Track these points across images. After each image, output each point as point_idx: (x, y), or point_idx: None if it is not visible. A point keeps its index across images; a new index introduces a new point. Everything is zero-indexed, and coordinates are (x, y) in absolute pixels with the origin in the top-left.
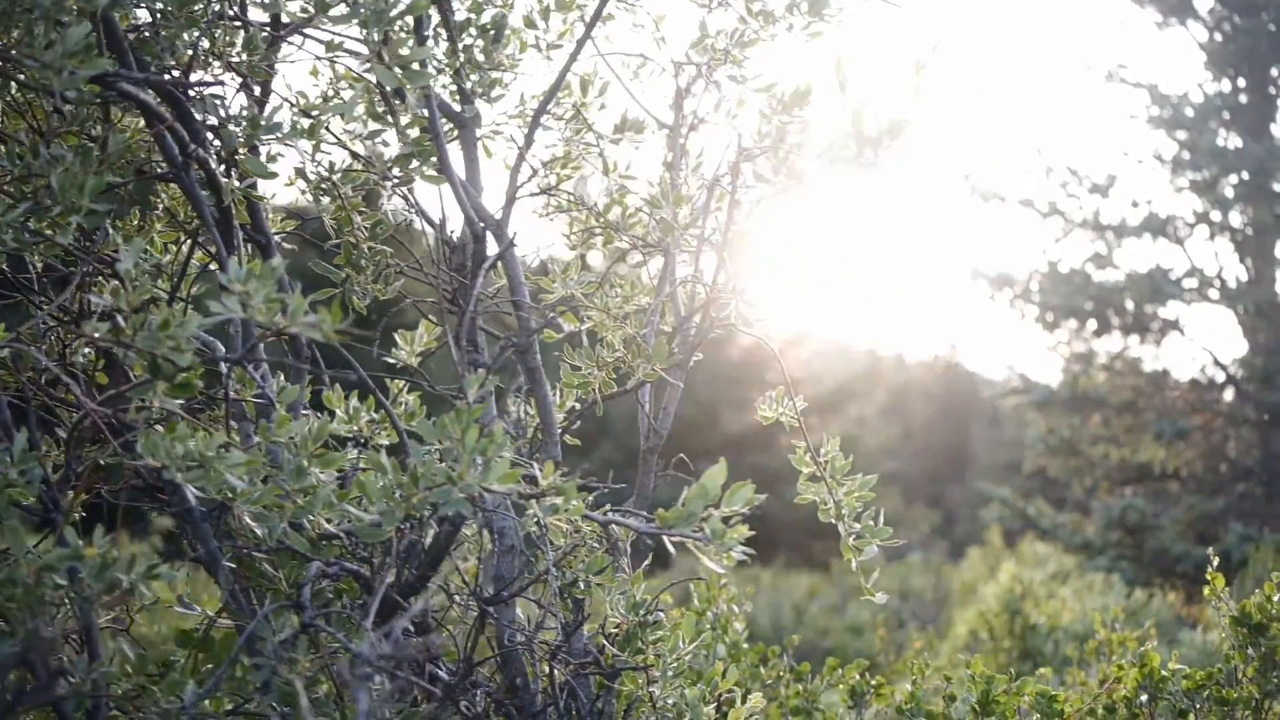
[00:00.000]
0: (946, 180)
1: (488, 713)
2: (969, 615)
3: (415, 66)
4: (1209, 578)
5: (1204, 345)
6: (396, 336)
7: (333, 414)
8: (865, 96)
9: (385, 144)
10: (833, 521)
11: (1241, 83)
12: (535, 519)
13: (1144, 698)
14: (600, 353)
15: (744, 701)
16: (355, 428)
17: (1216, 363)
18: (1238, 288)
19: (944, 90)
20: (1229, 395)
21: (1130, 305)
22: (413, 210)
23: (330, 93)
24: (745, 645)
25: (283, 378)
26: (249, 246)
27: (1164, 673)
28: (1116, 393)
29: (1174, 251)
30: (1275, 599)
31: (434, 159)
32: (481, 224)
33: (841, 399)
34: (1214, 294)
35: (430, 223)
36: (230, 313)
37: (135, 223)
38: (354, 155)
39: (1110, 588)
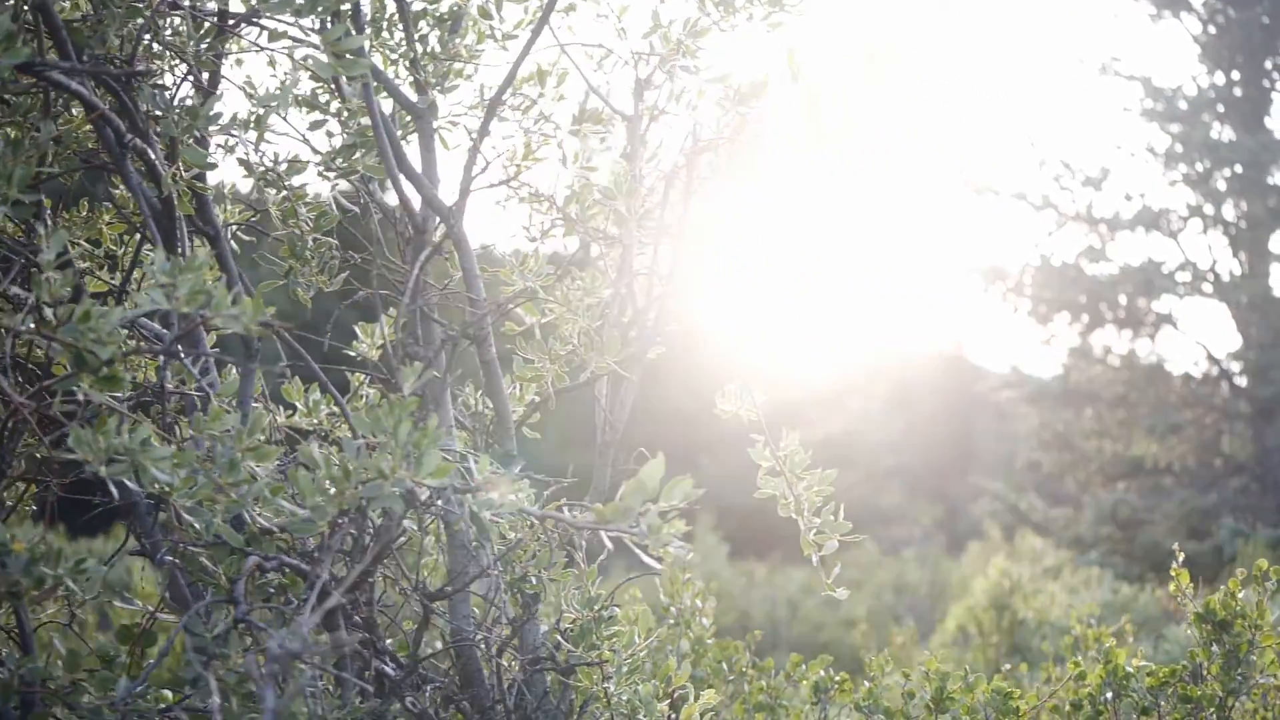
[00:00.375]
0: (942, 173)
1: (436, 709)
2: (958, 610)
3: (350, 56)
4: (1174, 573)
5: (1197, 339)
6: (357, 329)
7: (294, 407)
8: (820, 88)
9: (330, 134)
10: (793, 516)
11: (1236, 76)
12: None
13: (1108, 695)
14: (553, 346)
15: (697, 698)
16: (315, 421)
17: (1210, 357)
18: (1231, 282)
19: (907, 81)
20: (1223, 390)
21: (1123, 299)
22: (365, 201)
23: (289, 83)
24: (710, 640)
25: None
26: (197, 238)
27: (1128, 670)
28: (1109, 387)
29: (1167, 245)
30: (1240, 595)
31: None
32: (435, 215)
33: (842, 394)
34: (1207, 288)
35: (386, 214)
36: (155, 305)
37: (83, 214)
38: (310, 147)
39: (1101, 583)
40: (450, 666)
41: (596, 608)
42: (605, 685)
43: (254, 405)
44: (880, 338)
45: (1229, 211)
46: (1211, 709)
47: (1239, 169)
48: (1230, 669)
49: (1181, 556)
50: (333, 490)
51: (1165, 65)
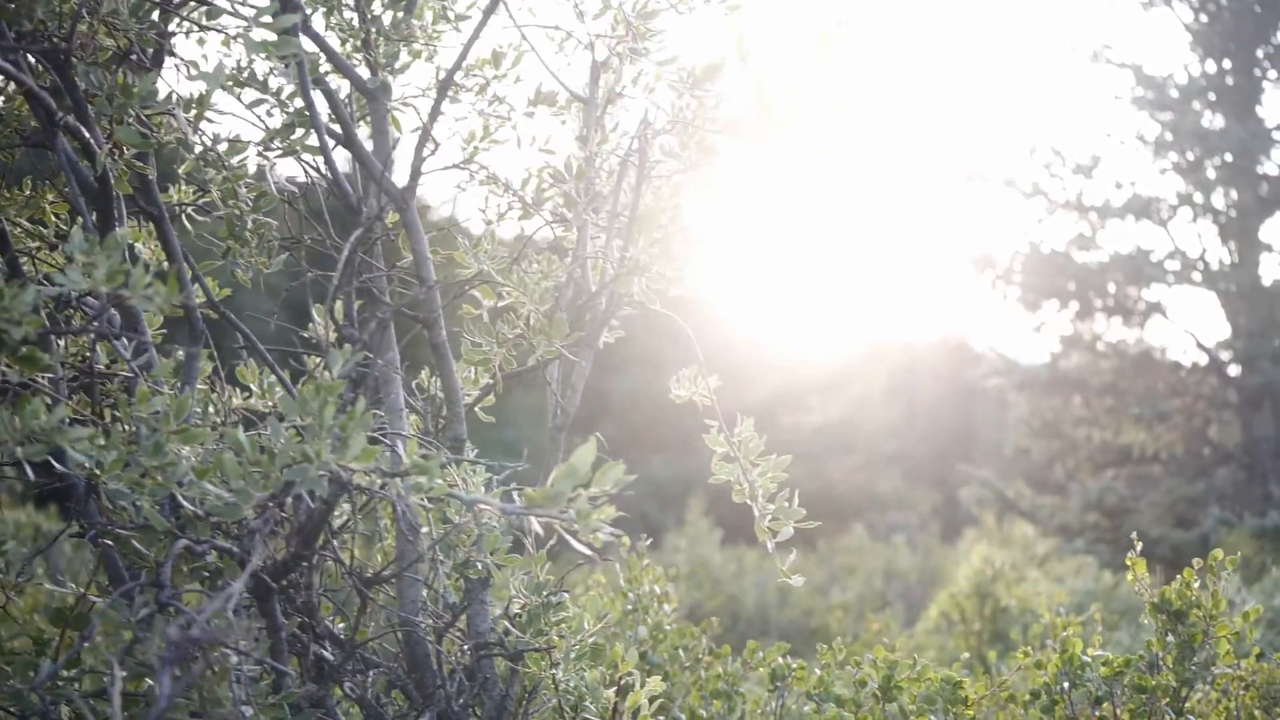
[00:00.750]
0: (933, 160)
1: (378, 695)
2: (941, 597)
3: (282, 35)
4: (1129, 563)
5: (1187, 328)
6: (313, 311)
7: (249, 390)
8: (779, 71)
9: (270, 114)
10: (747, 502)
11: (1227, 64)
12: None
13: (1065, 684)
14: (501, 329)
15: (644, 685)
16: (271, 403)
17: (1199, 346)
18: (1221, 270)
19: (878, 66)
20: (1211, 379)
21: (1113, 287)
22: (312, 181)
23: (220, 63)
24: (669, 627)
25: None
26: (140, 218)
27: (1085, 659)
28: (1098, 375)
29: (1157, 234)
30: (1195, 585)
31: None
32: (385, 197)
33: (842, 380)
34: (1197, 277)
35: (337, 195)
36: (73, 284)
37: (26, 193)
38: (264, 127)
39: (1087, 571)
40: (399, 652)
41: (545, 593)
42: (553, 672)
43: (201, 387)
44: (882, 325)
45: (1219, 200)
46: (1166, 699)
47: (1229, 157)
48: (1185, 659)
49: (1140, 546)
50: (258, 474)
51: (1157, 53)
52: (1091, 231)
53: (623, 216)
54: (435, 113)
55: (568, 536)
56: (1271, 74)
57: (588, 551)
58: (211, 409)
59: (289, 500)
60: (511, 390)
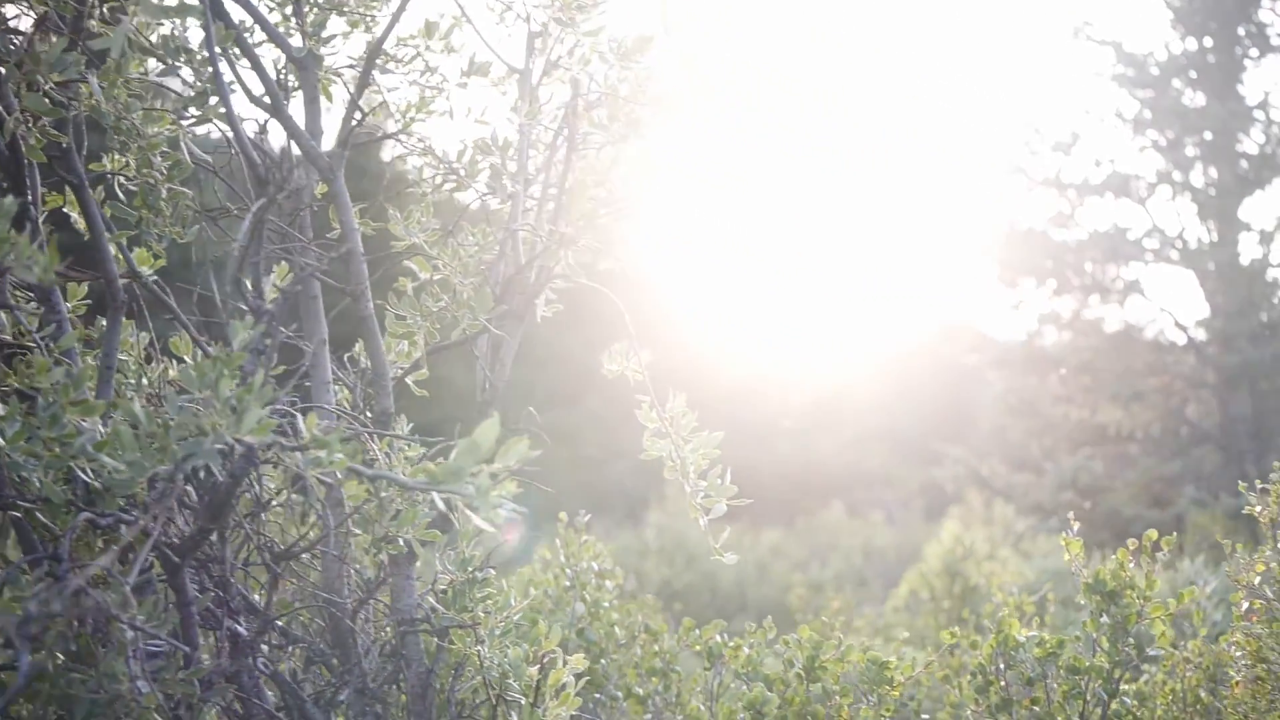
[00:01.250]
0: (915, 138)
1: (296, 670)
2: (911, 575)
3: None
4: (1064, 543)
5: (1165, 307)
6: (247, 282)
7: (181, 360)
8: (699, 44)
9: (185, 81)
10: (677, 478)
11: (1208, 41)
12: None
13: (1000, 665)
14: (425, 302)
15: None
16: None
17: (1177, 325)
18: (1199, 249)
19: (809, 38)
20: (1189, 358)
21: (1090, 265)
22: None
23: (123, 29)
24: (607, 604)
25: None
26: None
27: (1019, 640)
28: (1076, 353)
29: (1136, 212)
30: (1130, 566)
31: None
32: (314, 168)
33: (833, 358)
34: (1175, 255)
35: (251, 163)
36: None
37: None
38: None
39: (1062, 550)
40: (325, 627)
41: (470, 569)
42: (478, 649)
43: (123, 358)
44: (875, 302)
45: (1198, 178)
46: (1099, 681)
47: (1209, 135)
48: (1117, 640)
49: (1077, 526)
50: (155, 446)
51: (1138, 30)
52: (1070, 209)
53: (554, 189)
54: (363, 83)
55: (469, 513)
56: (1253, 51)
57: (489, 527)
58: (146, 380)
59: (201, 475)
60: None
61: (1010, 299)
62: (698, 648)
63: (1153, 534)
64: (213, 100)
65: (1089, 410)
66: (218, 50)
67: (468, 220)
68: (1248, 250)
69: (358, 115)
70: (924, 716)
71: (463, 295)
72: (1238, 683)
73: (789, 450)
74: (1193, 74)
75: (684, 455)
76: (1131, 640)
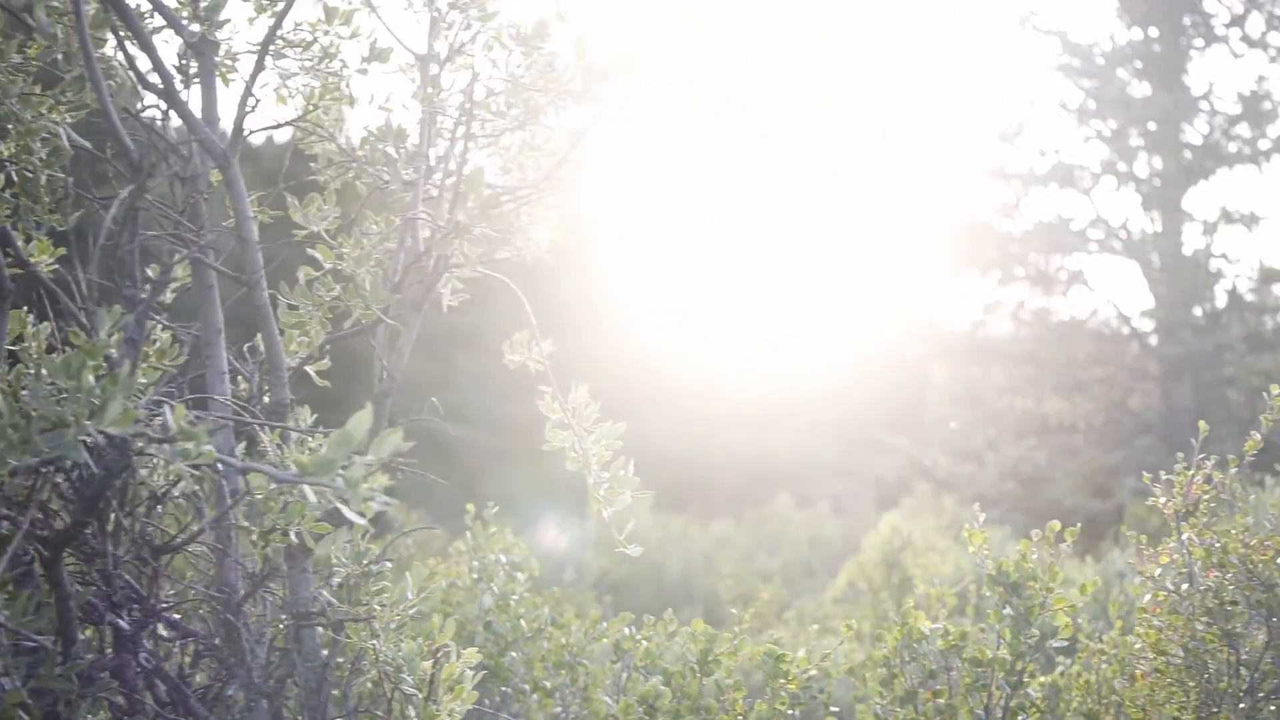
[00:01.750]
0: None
1: (183, 665)
2: (849, 567)
3: None
4: (968, 534)
5: (1108, 298)
6: (148, 271)
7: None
8: (592, 28)
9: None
10: (580, 470)
11: (1154, 31)
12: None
13: (905, 657)
14: (318, 292)
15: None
16: None
17: (1121, 315)
18: (1143, 240)
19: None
20: (1133, 348)
21: (1035, 256)
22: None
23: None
24: (517, 596)
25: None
26: None
27: (924, 632)
28: (1019, 344)
29: (1080, 202)
30: (1033, 557)
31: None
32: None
33: (784, 346)
34: (1120, 246)
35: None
36: None
37: None
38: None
39: (1003, 540)
40: (220, 622)
41: (365, 563)
42: (373, 642)
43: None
44: (832, 295)
45: (1142, 168)
46: (1002, 673)
47: (1153, 126)
48: (1020, 632)
49: (982, 517)
50: (16, 438)
51: (1084, 20)
52: (1015, 200)
53: (452, 177)
54: (258, 68)
55: (340, 506)
56: (1198, 41)
57: (359, 520)
58: (46, 371)
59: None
60: (453, 354)
61: (956, 289)
62: (604, 640)
63: (1055, 525)
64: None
65: (1033, 401)
66: (94, 34)
67: (371, 209)
68: (1191, 241)
69: (251, 101)
70: (834, 709)
71: (357, 285)
72: (1140, 675)
73: (743, 441)
74: (1138, 64)
75: (587, 447)
76: (1035, 632)
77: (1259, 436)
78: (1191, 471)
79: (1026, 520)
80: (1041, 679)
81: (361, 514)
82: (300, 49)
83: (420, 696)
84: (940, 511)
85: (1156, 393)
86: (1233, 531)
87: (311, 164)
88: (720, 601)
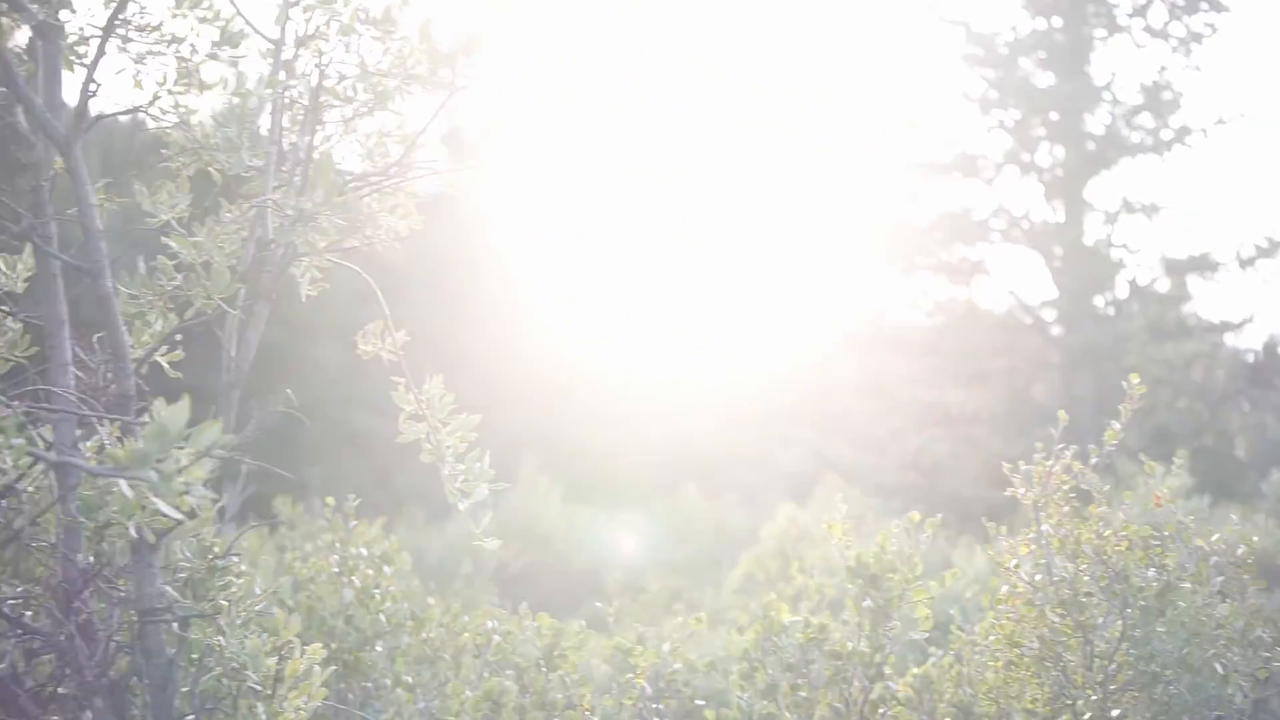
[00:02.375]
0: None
1: (15, 663)
2: (747, 558)
3: None
4: (827, 526)
5: (1011, 288)
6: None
7: None
8: (438, 12)
9: None
10: (434, 462)
11: (1057, 21)
12: None
13: (766, 650)
14: (159, 281)
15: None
16: None
17: (1023, 305)
18: (1045, 229)
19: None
20: (1034, 338)
21: (937, 246)
22: None
23: None
24: (377, 590)
25: None
26: None
27: (783, 624)
28: (922, 334)
29: (983, 192)
30: (892, 549)
31: None
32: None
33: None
34: (1022, 235)
35: None
36: None
37: None
38: None
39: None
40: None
41: (209, 558)
42: (219, 639)
43: None
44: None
45: (1044, 158)
46: (860, 664)
47: (1055, 115)
48: (879, 624)
49: (898, 505)
50: None
51: (988, 10)
52: (918, 190)
53: (301, 164)
54: (100, 53)
55: (155, 500)
56: (1101, 31)
57: (174, 515)
58: None
59: None
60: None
61: (861, 280)
62: (466, 635)
63: (915, 516)
64: None
65: (936, 391)
66: None
67: (226, 197)
68: (1093, 231)
69: (94, 86)
70: (699, 702)
71: (199, 274)
72: (995, 667)
73: (657, 433)
74: (1041, 54)
75: (440, 438)
76: (896, 624)
77: (1118, 427)
78: (1050, 462)
79: (927, 510)
80: (915, 670)
81: (178, 508)
82: (146, 33)
83: (266, 693)
84: (846, 502)
85: (1058, 382)
86: (1088, 522)
87: (163, 151)
88: (627, 590)
